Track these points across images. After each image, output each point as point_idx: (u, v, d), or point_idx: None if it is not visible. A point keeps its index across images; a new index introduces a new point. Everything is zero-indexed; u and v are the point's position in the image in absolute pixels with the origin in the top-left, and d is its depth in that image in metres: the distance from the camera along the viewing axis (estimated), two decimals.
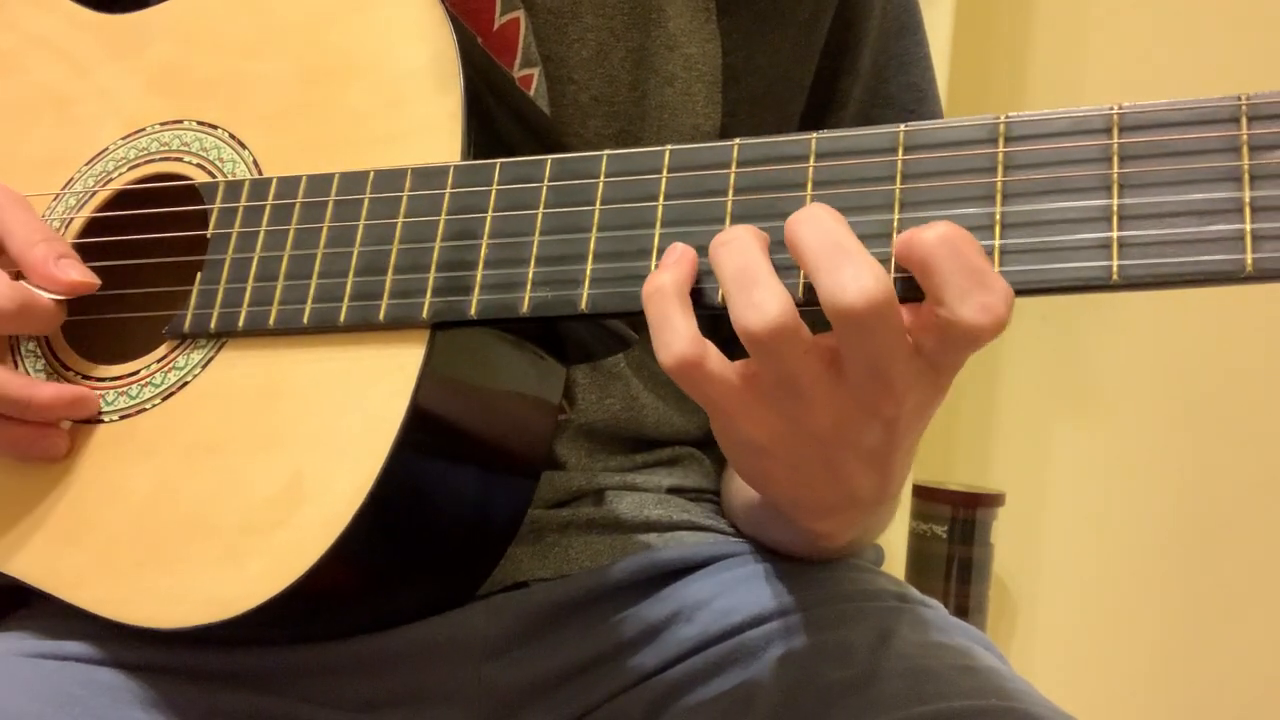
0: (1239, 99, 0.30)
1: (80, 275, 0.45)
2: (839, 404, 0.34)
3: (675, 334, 0.33)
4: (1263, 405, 1.11)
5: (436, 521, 0.43)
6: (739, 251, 0.33)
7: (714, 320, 0.35)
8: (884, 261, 0.33)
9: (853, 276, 0.31)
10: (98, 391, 0.46)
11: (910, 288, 0.33)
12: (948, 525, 1.14)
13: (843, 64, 0.54)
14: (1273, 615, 1.10)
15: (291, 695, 0.46)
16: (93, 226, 0.50)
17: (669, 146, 0.37)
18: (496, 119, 0.44)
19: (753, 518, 0.51)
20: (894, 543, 1.15)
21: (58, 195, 0.51)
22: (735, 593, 0.48)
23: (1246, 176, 0.30)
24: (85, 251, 0.50)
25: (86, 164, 0.51)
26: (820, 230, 0.32)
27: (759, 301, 0.32)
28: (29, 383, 0.45)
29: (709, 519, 0.53)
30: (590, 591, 0.48)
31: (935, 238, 0.31)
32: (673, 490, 0.54)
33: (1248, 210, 0.29)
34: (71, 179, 0.51)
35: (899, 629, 0.46)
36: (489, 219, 0.40)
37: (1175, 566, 1.15)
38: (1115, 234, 0.31)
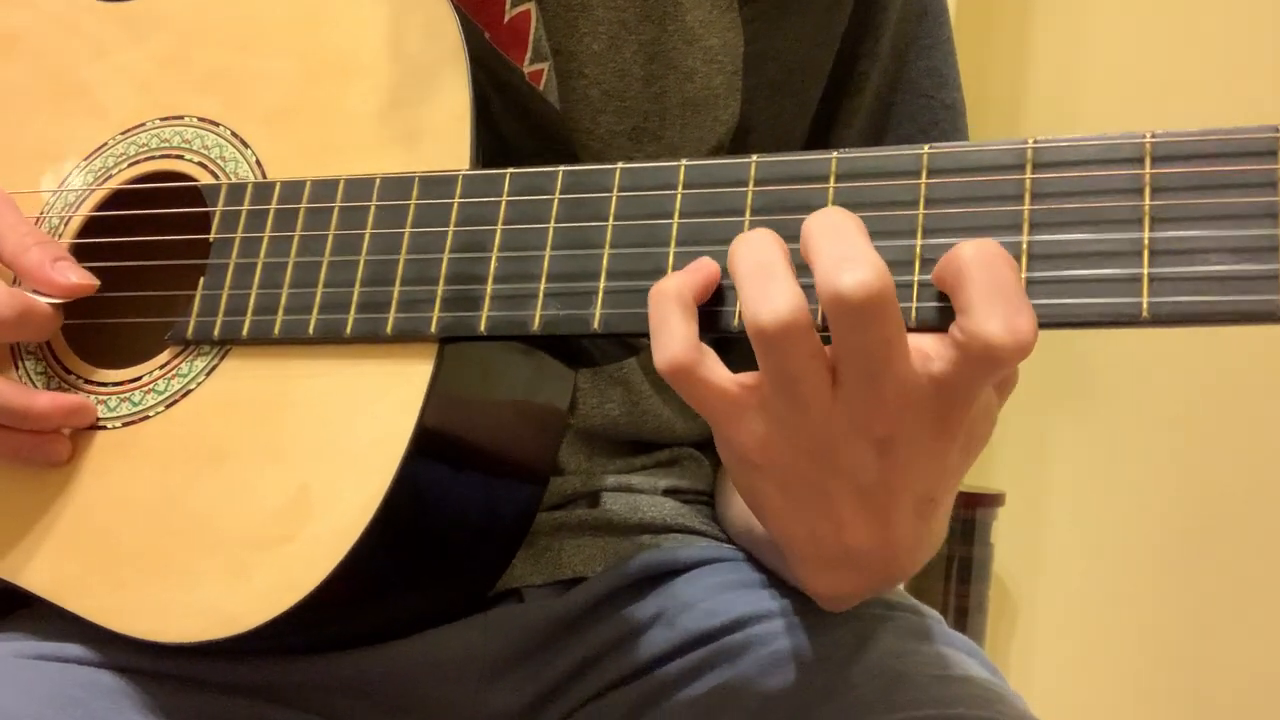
0: (1276, 130, 0.30)
1: (79, 277, 0.44)
2: (833, 419, 0.33)
3: (671, 337, 0.33)
4: (1261, 405, 1.11)
5: (445, 534, 0.43)
6: (759, 248, 0.33)
7: (720, 344, 0.34)
8: (905, 289, 0.32)
9: (851, 262, 0.31)
10: (99, 397, 0.46)
11: (932, 316, 0.32)
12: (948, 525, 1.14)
13: (862, 48, 0.53)
14: (1272, 615, 1.11)
15: (292, 706, 0.46)
16: (91, 225, 0.49)
17: (684, 162, 0.37)
18: (505, 119, 0.43)
19: (753, 545, 0.51)
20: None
21: (56, 192, 0.50)
22: (720, 597, 0.48)
23: None
24: (84, 252, 0.49)
25: (85, 159, 0.50)
26: (830, 220, 0.32)
27: (772, 295, 0.32)
28: (26, 392, 0.44)
29: (704, 524, 0.53)
30: (584, 604, 0.48)
31: (973, 249, 0.31)
32: (669, 492, 0.53)
33: None
34: (69, 174, 0.50)
35: (880, 635, 0.45)
36: (499, 231, 0.39)
37: (1175, 566, 1.15)
38: (1146, 270, 0.30)
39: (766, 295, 0.32)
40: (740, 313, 0.34)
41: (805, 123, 0.53)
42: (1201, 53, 1.12)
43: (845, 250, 0.31)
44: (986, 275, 0.30)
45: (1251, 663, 1.11)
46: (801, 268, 0.33)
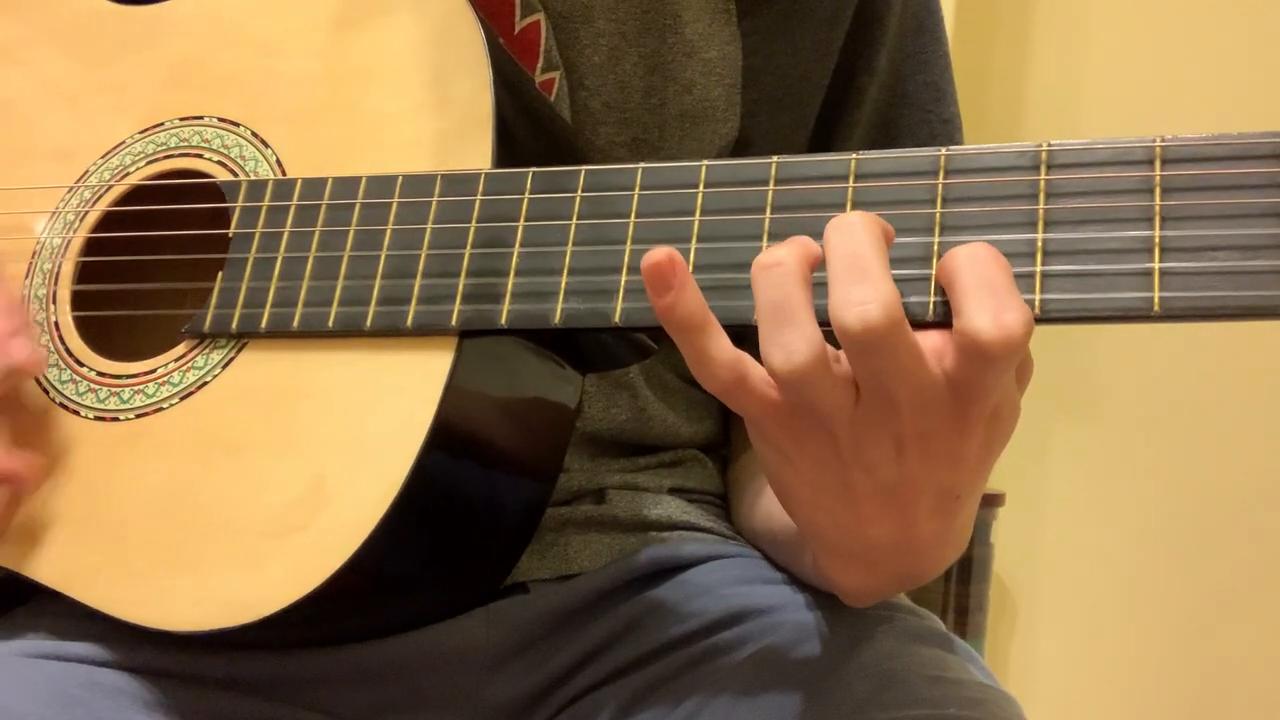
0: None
1: (25, 356, 0.43)
2: (856, 421, 0.34)
3: (713, 364, 0.34)
4: (1262, 405, 1.12)
5: (457, 527, 0.44)
6: (777, 283, 0.33)
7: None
8: (923, 283, 0.33)
9: (858, 297, 0.31)
10: (111, 389, 0.46)
11: (945, 312, 0.33)
12: None
13: (860, 62, 0.53)
14: (1272, 615, 1.11)
15: (293, 702, 0.46)
16: (109, 221, 0.49)
17: (705, 162, 0.37)
18: (522, 124, 0.44)
19: (773, 547, 0.51)
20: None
21: (72, 188, 0.50)
22: (721, 592, 0.48)
23: None
24: (101, 246, 0.49)
25: (102, 157, 0.50)
26: (848, 240, 0.32)
27: (787, 342, 0.32)
28: None
29: (709, 521, 0.53)
30: (587, 596, 0.48)
31: (964, 252, 0.32)
32: (674, 491, 0.54)
33: None
34: (87, 171, 0.50)
35: (877, 636, 0.46)
36: (520, 228, 0.39)
37: (1175, 566, 1.16)
38: (1157, 265, 0.31)
39: (781, 343, 0.32)
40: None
41: (805, 136, 0.54)
42: (1202, 54, 1.13)
43: (856, 279, 0.32)
44: (974, 275, 0.31)
45: (1251, 662, 1.12)
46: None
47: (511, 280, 0.39)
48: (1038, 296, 0.32)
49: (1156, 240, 0.31)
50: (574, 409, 0.46)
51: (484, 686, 0.47)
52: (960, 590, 1.14)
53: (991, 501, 1.16)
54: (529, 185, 0.40)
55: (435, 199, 0.41)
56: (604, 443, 0.53)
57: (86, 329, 0.48)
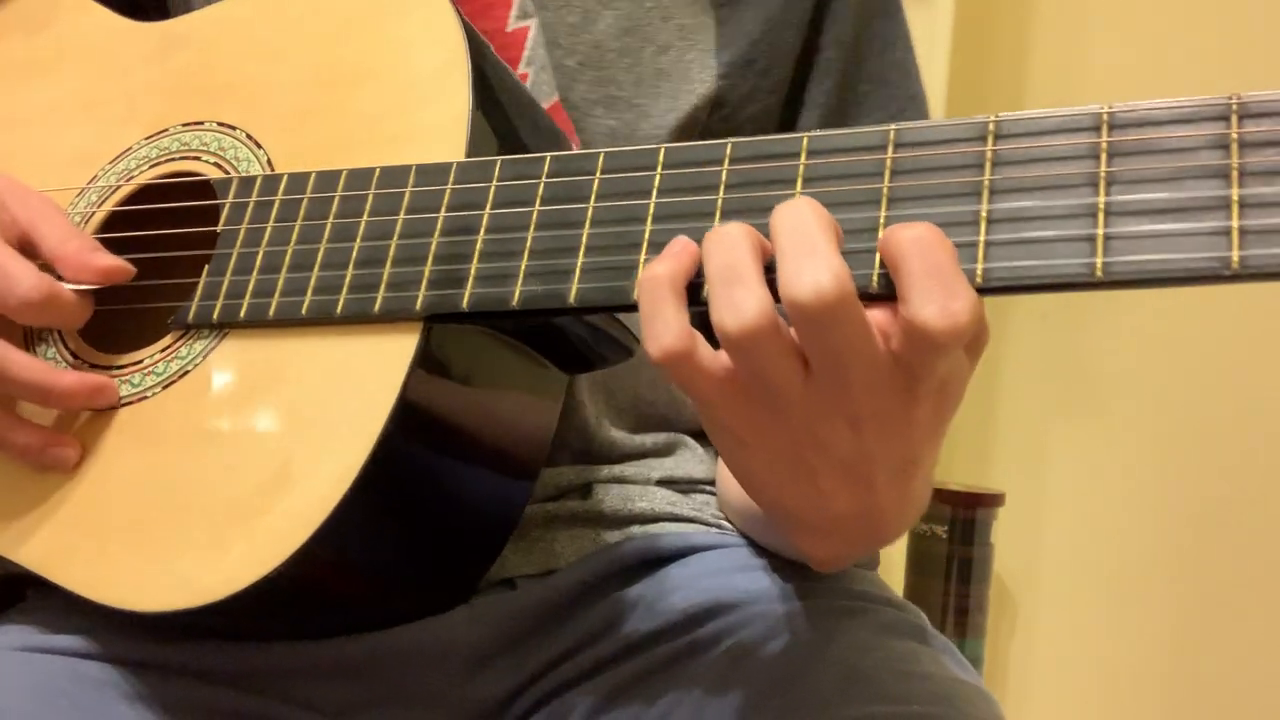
0: (1230, 98, 0.30)
1: (114, 262, 0.46)
2: (809, 400, 0.34)
3: (665, 326, 0.33)
4: (1262, 404, 1.11)
5: (424, 516, 0.44)
6: (728, 248, 0.33)
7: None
8: (867, 255, 0.33)
9: (810, 269, 0.31)
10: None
11: (890, 285, 0.33)
12: (948, 525, 1.12)
13: (827, 37, 0.56)
14: (1273, 615, 1.09)
15: (273, 695, 0.46)
16: (112, 221, 0.51)
17: (664, 145, 0.38)
18: (502, 121, 0.45)
19: (748, 523, 0.51)
20: (894, 543, 1.14)
21: (81, 190, 0.52)
22: (696, 586, 0.48)
23: (1235, 174, 0.30)
24: (104, 245, 0.51)
25: (111, 162, 0.52)
26: (795, 219, 0.32)
27: (738, 301, 0.32)
28: (50, 369, 0.45)
29: (694, 511, 0.53)
30: (568, 591, 0.48)
31: (910, 236, 0.32)
32: (662, 482, 0.54)
33: (1235, 207, 0.29)
34: (95, 175, 0.52)
35: (849, 629, 0.46)
36: (486, 215, 0.40)
37: (1175, 566, 1.14)
38: (1100, 230, 0.31)
39: (732, 301, 0.32)
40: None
41: (778, 101, 0.55)
42: (1202, 53, 1.12)
43: (806, 254, 0.32)
44: (921, 262, 0.31)
45: (1251, 662, 1.10)
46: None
47: (475, 266, 0.39)
48: (979, 266, 0.32)
49: (1101, 205, 0.31)
50: (556, 407, 0.46)
51: (467, 683, 0.47)
52: (960, 590, 1.12)
53: (991, 501, 1.15)
54: (497, 173, 0.41)
55: (409, 189, 0.42)
56: (599, 401, 0.52)
57: (88, 326, 0.49)
